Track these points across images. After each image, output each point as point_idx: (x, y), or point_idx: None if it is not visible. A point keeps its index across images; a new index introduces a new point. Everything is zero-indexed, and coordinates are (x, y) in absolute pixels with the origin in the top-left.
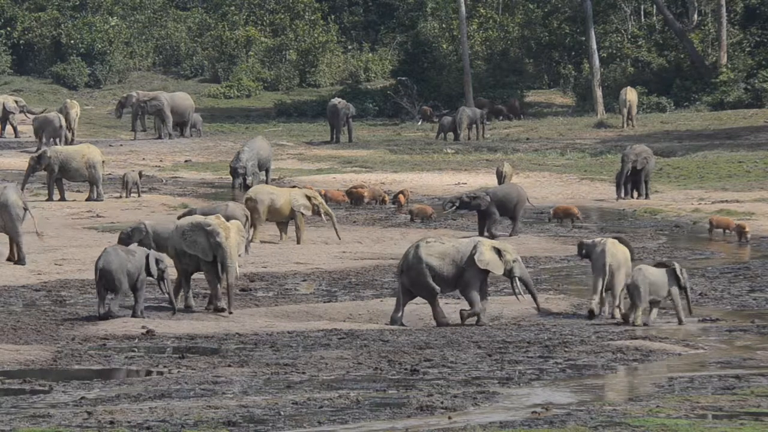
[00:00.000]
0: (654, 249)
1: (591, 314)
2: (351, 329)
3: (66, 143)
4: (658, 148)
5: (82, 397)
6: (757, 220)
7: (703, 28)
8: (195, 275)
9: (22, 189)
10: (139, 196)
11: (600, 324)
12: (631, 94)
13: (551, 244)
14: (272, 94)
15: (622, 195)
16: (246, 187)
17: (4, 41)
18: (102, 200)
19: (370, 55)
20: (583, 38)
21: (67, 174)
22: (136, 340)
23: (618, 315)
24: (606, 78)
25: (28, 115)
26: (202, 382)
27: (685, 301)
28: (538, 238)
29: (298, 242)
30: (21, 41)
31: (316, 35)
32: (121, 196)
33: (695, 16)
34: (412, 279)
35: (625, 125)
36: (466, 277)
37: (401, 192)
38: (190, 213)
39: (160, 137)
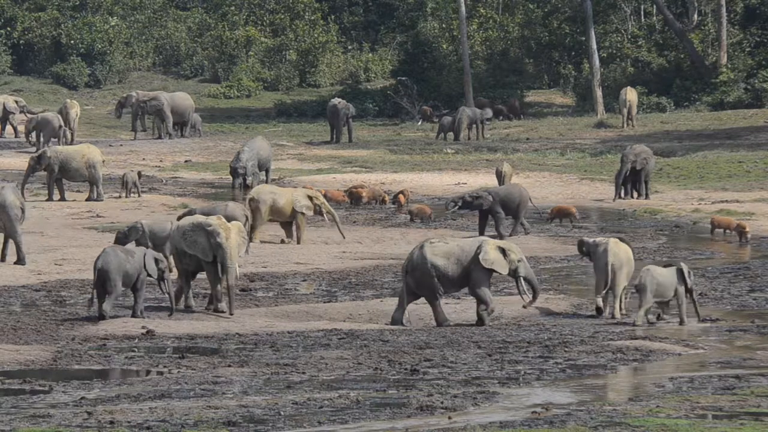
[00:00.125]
0: (654, 249)
1: (598, 312)
2: (351, 329)
3: (66, 143)
4: (658, 148)
5: (82, 397)
6: (757, 220)
7: (703, 28)
8: (199, 275)
9: (22, 189)
10: (138, 196)
11: (600, 324)
12: (631, 94)
13: (551, 244)
14: (272, 94)
15: (621, 195)
16: (246, 187)
17: (4, 41)
18: (102, 200)
19: (370, 55)
20: (583, 38)
21: (67, 174)
22: (136, 340)
23: (618, 315)
24: (606, 78)
25: (28, 115)
26: (202, 382)
27: (692, 303)
28: (538, 238)
29: (298, 242)
30: (21, 41)
31: (316, 35)
32: (120, 196)
33: (695, 16)
34: (417, 279)
35: (625, 125)
36: (474, 277)
37: (401, 192)
38: (190, 213)
39: (160, 137)
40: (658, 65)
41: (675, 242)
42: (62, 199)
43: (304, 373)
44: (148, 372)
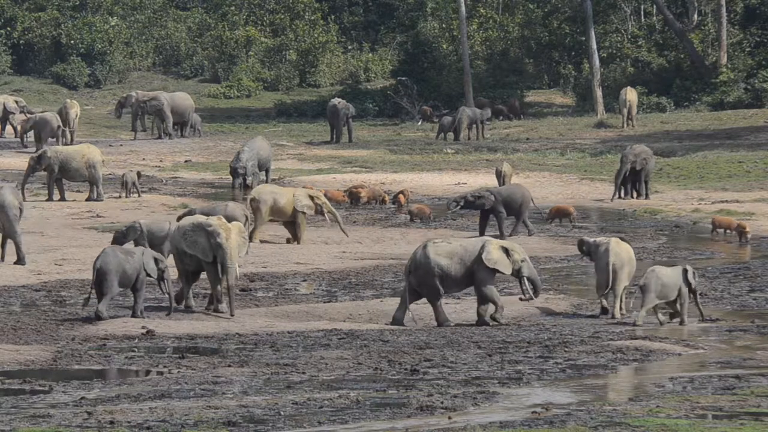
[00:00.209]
0: (654, 249)
1: (604, 312)
2: (351, 329)
3: (65, 143)
4: (658, 148)
5: (82, 397)
6: (757, 220)
7: (703, 28)
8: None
9: (22, 189)
10: (139, 195)
11: (600, 324)
12: (631, 94)
13: (551, 244)
14: (272, 94)
15: (621, 195)
16: (246, 187)
17: (4, 41)
18: (102, 200)
19: (370, 55)
20: (583, 38)
21: (67, 174)
22: (136, 340)
23: (618, 315)
24: (606, 78)
25: (28, 115)
26: (202, 382)
27: (695, 304)
28: (538, 238)
29: (298, 242)
30: (21, 41)
31: (316, 35)
32: (120, 197)
33: (695, 16)
34: (420, 278)
35: (625, 125)
36: (479, 277)
37: (401, 192)
38: (190, 213)
39: (160, 137)
40: (658, 65)
41: (675, 242)
42: (62, 199)
43: (304, 373)
44: (148, 372)
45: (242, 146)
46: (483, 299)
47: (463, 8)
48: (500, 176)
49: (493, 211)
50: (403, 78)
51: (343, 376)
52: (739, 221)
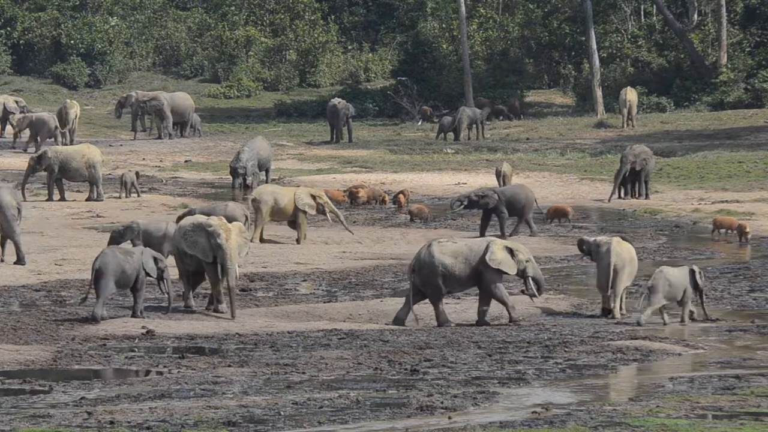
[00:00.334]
0: (654, 249)
1: (606, 312)
2: (351, 329)
3: (65, 143)
4: (658, 148)
5: (82, 397)
6: (757, 220)
7: (703, 28)
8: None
9: (23, 189)
10: (138, 195)
11: (600, 324)
12: (631, 94)
13: (551, 244)
14: (272, 94)
15: (621, 195)
16: (246, 187)
17: (4, 41)
18: (102, 200)
19: (370, 55)
20: (583, 38)
21: (67, 174)
22: (136, 340)
23: (618, 315)
24: (606, 78)
25: (23, 114)
26: (202, 382)
27: (700, 304)
28: (538, 239)
29: (298, 242)
30: (21, 41)
31: (316, 35)
32: (120, 197)
33: (695, 16)
34: (424, 277)
35: (625, 125)
36: (486, 278)
37: (401, 192)
38: (190, 213)
39: (160, 137)
40: (658, 65)
41: (675, 242)
42: (62, 199)
43: (304, 373)
44: (148, 372)
45: (242, 146)
46: (486, 300)
47: (463, 8)
48: (500, 176)
49: (496, 211)
50: (403, 78)
51: (343, 376)
52: (739, 221)
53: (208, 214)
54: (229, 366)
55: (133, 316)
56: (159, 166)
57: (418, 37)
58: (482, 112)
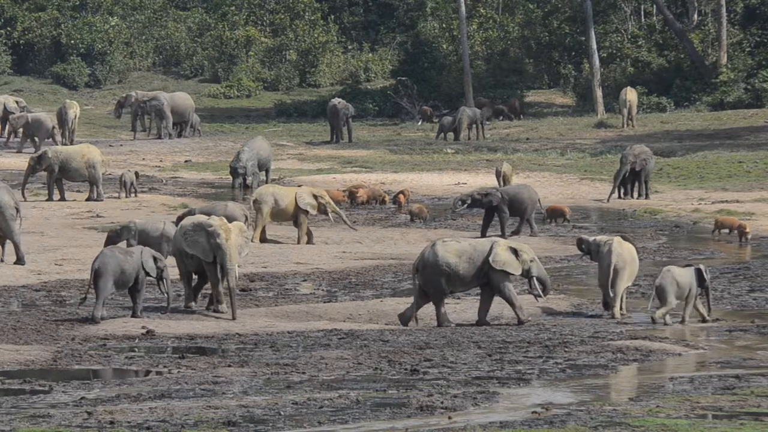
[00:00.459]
0: (654, 249)
1: (607, 306)
2: (351, 329)
3: (64, 143)
4: (658, 148)
5: (82, 397)
6: (757, 220)
7: (703, 28)
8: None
9: (23, 189)
10: (135, 195)
11: (600, 324)
12: (631, 94)
13: (551, 244)
14: (272, 94)
15: (621, 195)
16: (246, 187)
17: (4, 41)
18: (102, 200)
19: (370, 55)
20: (583, 38)
21: (67, 174)
22: (136, 340)
23: (618, 315)
24: (606, 78)
25: (18, 114)
26: (202, 382)
27: (706, 302)
28: (538, 239)
29: (299, 242)
30: (21, 41)
31: (316, 35)
32: (120, 197)
33: (695, 16)
34: (427, 276)
35: (625, 125)
36: (494, 279)
37: (401, 192)
38: (190, 213)
39: (159, 137)
40: (658, 65)
41: (675, 242)
42: (62, 199)
43: (304, 373)
44: (148, 372)
45: (242, 146)
46: (487, 300)
47: (463, 8)
48: (500, 176)
49: (497, 210)
50: (403, 78)
51: (343, 376)
52: (740, 221)
53: (208, 214)
54: (229, 366)
55: (133, 316)
56: (159, 166)
57: (418, 37)
58: (482, 112)
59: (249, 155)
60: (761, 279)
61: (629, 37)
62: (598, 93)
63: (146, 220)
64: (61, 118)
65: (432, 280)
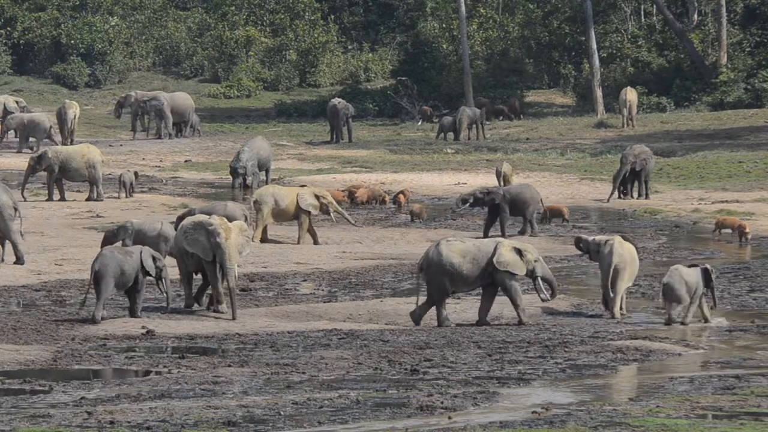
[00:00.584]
0: (654, 249)
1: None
2: (351, 329)
3: (62, 143)
4: (658, 148)
5: (82, 397)
6: (757, 220)
7: (703, 28)
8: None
9: (23, 189)
10: (129, 196)
11: (600, 324)
12: (631, 94)
13: (551, 244)
14: (272, 94)
15: (622, 195)
16: (246, 187)
17: (4, 41)
18: (102, 200)
19: (370, 55)
20: (583, 38)
21: (67, 174)
22: (137, 340)
23: (618, 315)
24: (606, 78)
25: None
26: (202, 382)
27: (712, 301)
28: (538, 239)
29: (299, 242)
30: (21, 41)
31: (316, 35)
32: (119, 197)
33: (695, 16)
34: (430, 276)
35: (625, 125)
36: (500, 280)
37: (401, 192)
38: (190, 213)
39: (159, 137)
40: (658, 65)
41: (675, 242)
42: (62, 199)
43: (304, 373)
44: (148, 372)
45: (242, 146)
46: (487, 301)
47: (463, 8)
48: (500, 176)
49: (499, 209)
50: (403, 78)
51: (343, 376)
52: (741, 221)
53: (208, 214)
54: (229, 366)
55: (133, 315)
56: (159, 166)
57: (418, 37)
58: (481, 112)
59: (249, 155)
60: (761, 279)
61: (629, 37)
62: (598, 93)
63: (143, 220)
64: (61, 118)
65: (435, 280)
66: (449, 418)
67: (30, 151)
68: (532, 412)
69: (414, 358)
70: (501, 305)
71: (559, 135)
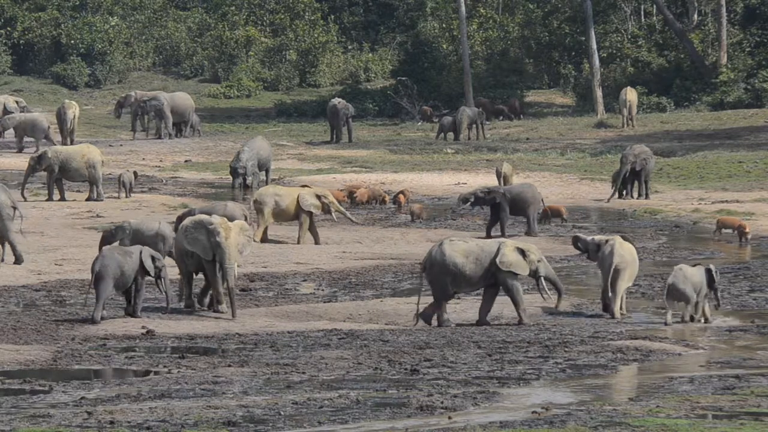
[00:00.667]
0: (654, 249)
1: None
2: (351, 329)
3: (62, 143)
4: (658, 148)
5: (82, 397)
6: (757, 220)
7: (703, 28)
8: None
9: (23, 189)
10: (131, 195)
11: (600, 324)
12: (631, 94)
13: (551, 244)
14: (272, 94)
15: (622, 195)
16: (246, 187)
17: (4, 41)
18: (102, 200)
19: (370, 55)
20: (583, 38)
21: (67, 174)
22: (136, 340)
23: (617, 315)
24: (606, 78)
25: (9, 114)
26: (202, 382)
27: (714, 299)
28: (538, 239)
29: (299, 242)
30: (21, 41)
31: (316, 35)
32: (119, 197)
33: (695, 16)
34: (433, 275)
35: (625, 125)
36: (502, 280)
37: (401, 192)
38: (190, 213)
39: (159, 137)
40: (658, 65)
41: (675, 242)
42: (62, 199)
43: (304, 373)
44: (148, 372)
45: (242, 146)
46: (488, 301)
47: (463, 8)
48: (500, 176)
49: (500, 208)
50: (403, 78)
51: (343, 376)
52: (741, 221)
53: (208, 214)
54: (229, 366)
55: (133, 315)
56: (159, 166)
57: (418, 37)
58: (480, 112)
59: (249, 155)
60: (761, 279)
61: (629, 37)
62: (598, 93)
63: (141, 220)
64: (60, 118)
65: (437, 279)
66: (449, 418)
67: (29, 151)
68: (532, 412)
69: (414, 358)
70: (501, 305)
71: (559, 135)
